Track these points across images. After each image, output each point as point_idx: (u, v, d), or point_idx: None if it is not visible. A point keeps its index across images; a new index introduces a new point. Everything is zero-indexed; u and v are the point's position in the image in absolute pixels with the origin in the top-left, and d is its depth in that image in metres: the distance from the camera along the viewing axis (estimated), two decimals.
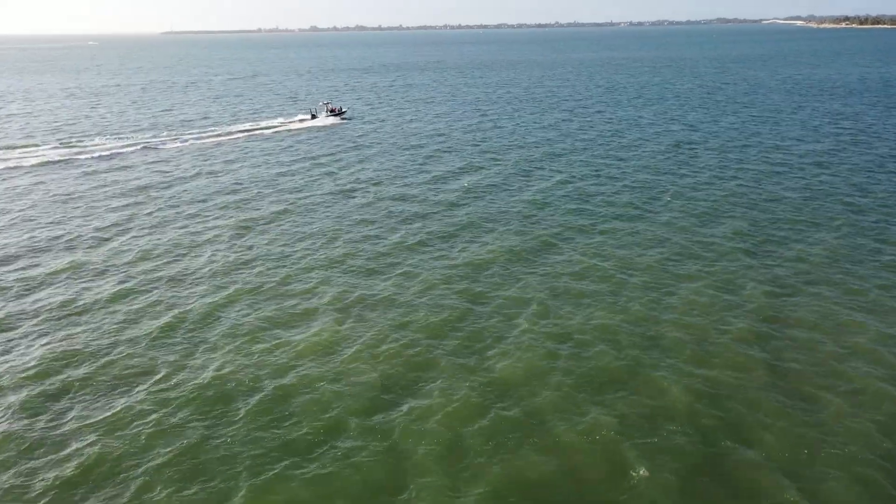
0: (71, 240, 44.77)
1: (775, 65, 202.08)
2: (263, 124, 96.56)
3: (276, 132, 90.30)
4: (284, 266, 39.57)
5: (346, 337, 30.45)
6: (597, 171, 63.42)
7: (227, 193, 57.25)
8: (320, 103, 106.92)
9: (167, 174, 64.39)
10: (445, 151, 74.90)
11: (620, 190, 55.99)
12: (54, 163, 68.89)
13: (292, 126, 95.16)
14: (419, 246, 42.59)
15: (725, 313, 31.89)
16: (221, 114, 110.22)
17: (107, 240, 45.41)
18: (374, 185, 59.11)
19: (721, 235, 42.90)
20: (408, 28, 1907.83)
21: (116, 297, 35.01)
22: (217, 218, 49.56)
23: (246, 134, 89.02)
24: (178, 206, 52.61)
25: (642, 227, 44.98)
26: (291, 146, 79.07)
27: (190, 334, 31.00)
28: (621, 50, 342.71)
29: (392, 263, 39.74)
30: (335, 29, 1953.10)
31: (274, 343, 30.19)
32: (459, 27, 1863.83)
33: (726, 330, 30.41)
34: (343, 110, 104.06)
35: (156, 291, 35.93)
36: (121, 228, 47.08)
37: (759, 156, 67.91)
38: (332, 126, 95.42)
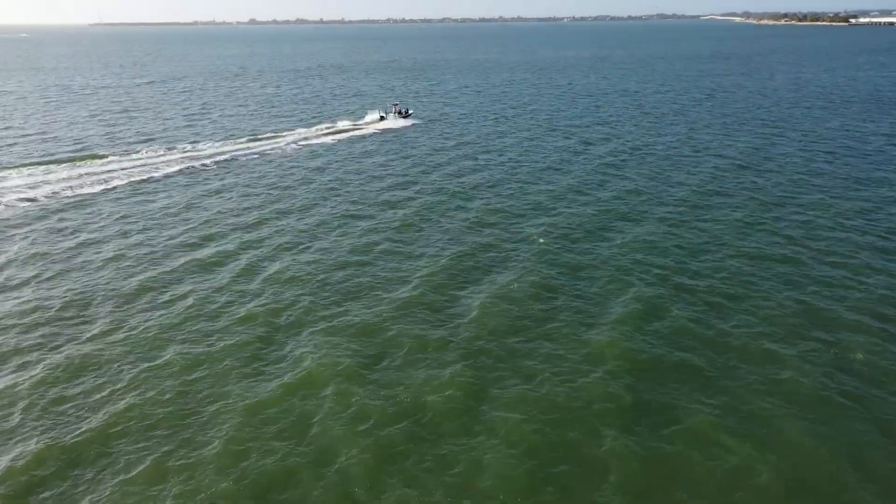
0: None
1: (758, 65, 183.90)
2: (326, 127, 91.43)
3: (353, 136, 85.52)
4: None
5: None
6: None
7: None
8: (389, 105, 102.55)
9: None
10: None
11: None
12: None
13: (371, 128, 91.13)
14: None
15: None
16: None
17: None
18: None
19: None
20: (350, 21, 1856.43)
21: None
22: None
23: (333, 136, 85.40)
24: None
25: None
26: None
27: None
28: (586, 48, 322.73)
29: None
30: (275, 22, 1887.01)
31: None
32: (403, 21, 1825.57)
33: None
34: (410, 112, 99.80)
35: None
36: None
37: None
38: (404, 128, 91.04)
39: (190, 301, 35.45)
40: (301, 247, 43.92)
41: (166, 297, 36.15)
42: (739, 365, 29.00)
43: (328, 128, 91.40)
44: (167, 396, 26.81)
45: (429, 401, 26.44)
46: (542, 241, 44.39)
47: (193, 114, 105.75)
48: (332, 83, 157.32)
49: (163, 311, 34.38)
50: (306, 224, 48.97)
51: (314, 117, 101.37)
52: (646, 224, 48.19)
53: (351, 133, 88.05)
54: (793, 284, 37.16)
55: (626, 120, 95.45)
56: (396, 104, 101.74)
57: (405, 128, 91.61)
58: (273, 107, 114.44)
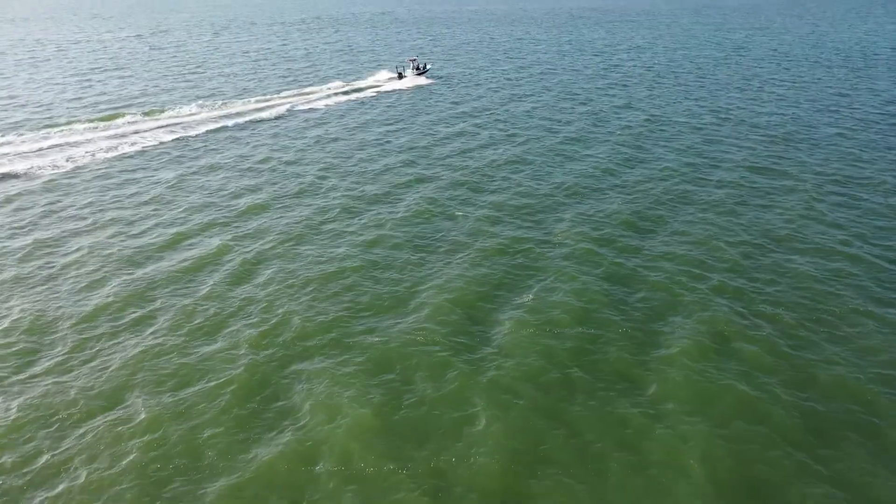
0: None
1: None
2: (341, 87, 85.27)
3: (354, 99, 78.84)
4: None
5: None
6: None
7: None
8: (406, 60, 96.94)
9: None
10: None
11: None
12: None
13: (386, 87, 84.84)
14: None
15: None
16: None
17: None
18: None
19: None
20: None
21: None
22: None
23: (334, 99, 78.02)
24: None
25: None
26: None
27: None
28: None
29: None
30: None
31: None
32: None
33: None
34: (427, 67, 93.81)
35: None
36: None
37: None
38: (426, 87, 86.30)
39: (160, 322, 29.80)
40: (292, 245, 38.00)
41: (132, 316, 30.45)
42: (843, 418, 23.61)
43: (327, 89, 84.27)
44: (122, 467, 21.41)
45: (456, 475, 21.11)
46: (558, 238, 38.50)
47: (177, 73, 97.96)
48: (328, 38, 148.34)
49: (125, 338, 28.75)
50: (301, 214, 42.89)
51: (309, 77, 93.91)
52: (686, 213, 42.32)
53: (352, 96, 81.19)
54: (876, 300, 31.50)
55: (642, 83, 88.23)
56: (414, 59, 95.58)
57: (410, 89, 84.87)
58: (266, 65, 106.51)
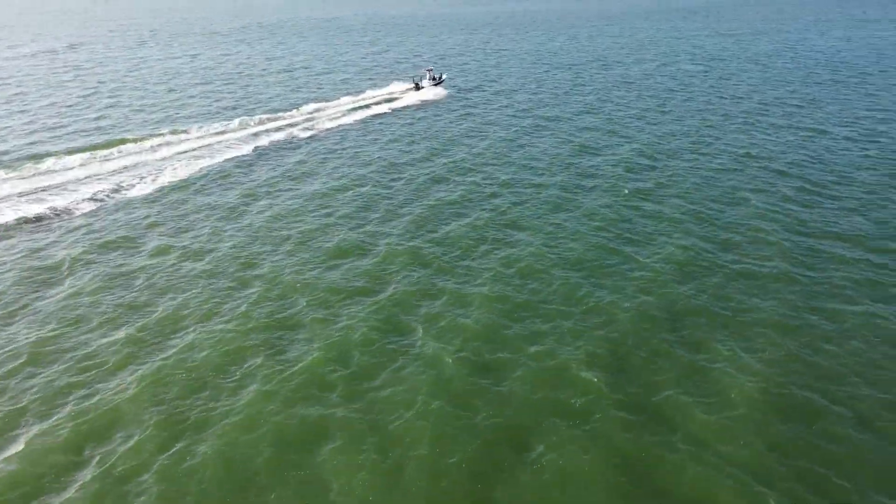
0: None
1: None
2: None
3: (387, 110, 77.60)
4: None
5: None
6: None
7: None
8: (423, 70, 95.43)
9: None
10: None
11: None
12: None
13: (404, 101, 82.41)
14: None
15: None
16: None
17: None
18: None
19: None
20: None
21: None
22: None
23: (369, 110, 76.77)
24: None
25: None
26: None
27: None
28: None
29: None
30: None
31: None
32: None
33: None
34: (444, 77, 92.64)
35: None
36: None
37: None
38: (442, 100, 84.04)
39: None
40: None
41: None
42: None
43: (283, 119, 73.65)
44: None
45: None
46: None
47: (85, 106, 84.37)
48: (266, 51, 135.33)
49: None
50: (244, 362, 30.48)
51: (247, 105, 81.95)
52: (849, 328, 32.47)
53: (357, 115, 74.30)
54: None
55: (629, 114, 77.37)
56: (430, 69, 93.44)
57: (391, 111, 77.70)
58: (185, 90, 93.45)
